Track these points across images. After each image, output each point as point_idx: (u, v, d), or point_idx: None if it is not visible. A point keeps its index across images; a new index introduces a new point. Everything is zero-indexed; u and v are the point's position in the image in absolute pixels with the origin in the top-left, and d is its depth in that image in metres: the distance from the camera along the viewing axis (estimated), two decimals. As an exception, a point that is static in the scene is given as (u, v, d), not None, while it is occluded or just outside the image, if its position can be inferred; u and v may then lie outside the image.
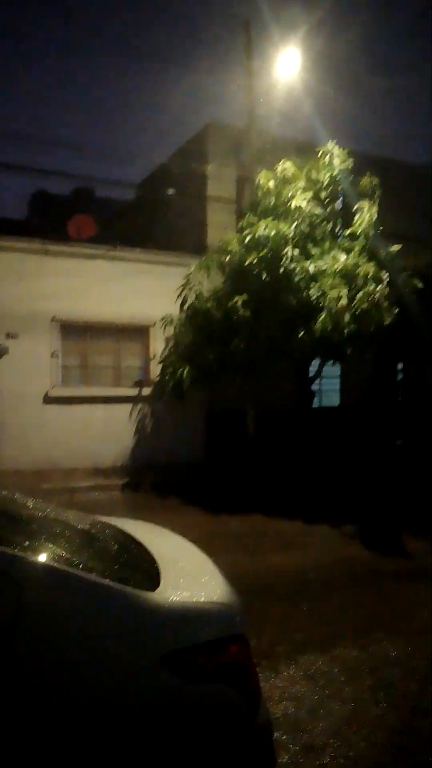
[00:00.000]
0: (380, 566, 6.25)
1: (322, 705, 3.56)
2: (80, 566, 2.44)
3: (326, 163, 8.84)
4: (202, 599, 2.58)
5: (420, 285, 8.56)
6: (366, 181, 9.03)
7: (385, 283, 7.89)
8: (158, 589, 2.54)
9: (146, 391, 10.26)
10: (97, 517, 3.63)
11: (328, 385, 12.00)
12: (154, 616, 2.39)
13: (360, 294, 7.76)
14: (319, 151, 9.01)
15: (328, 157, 8.86)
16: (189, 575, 2.82)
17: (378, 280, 7.83)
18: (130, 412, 10.23)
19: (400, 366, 12.86)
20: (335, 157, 8.80)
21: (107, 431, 9.98)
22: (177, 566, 2.88)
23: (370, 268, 7.87)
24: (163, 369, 9.58)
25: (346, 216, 9.01)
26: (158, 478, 9.72)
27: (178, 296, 9.31)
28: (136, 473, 9.92)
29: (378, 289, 7.73)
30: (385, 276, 7.97)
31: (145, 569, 2.74)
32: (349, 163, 8.84)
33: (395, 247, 8.56)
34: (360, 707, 3.54)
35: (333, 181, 8.85)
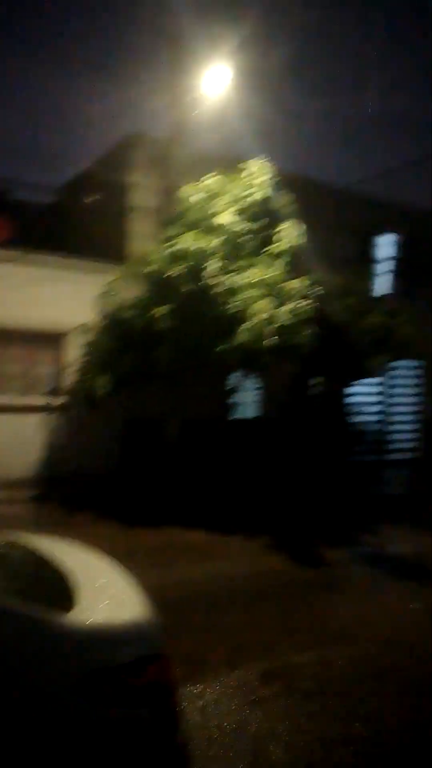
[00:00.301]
0: (295, 576, 6.34)
1: (236, 718, 3.50)
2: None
3: (248, 181, 8.97)
4: (120, 618, 2.47)
5: (335, 304, 8.87)
6: (286, 199, 9.24)
7: (309, 300, 8.07)
8: (73, 609, 2.41)
9: (59, 400, 9.91)
10: (5, 533, 3.42)
11: (246, 397, 12.14)
12: (68, 639, 2.26)
13: (285, 308, 7.87)
14: (241, 167, 9.13)
15: (248, 173, 9.00)
16: (105, 593, 2.70)
17: (304, 296, 8.00)
18: (41, 421, 9.83)
19: (315, 381, 13.24)
20: (257, 175, 8.94)
21: (16, 441, 9.53)
22: (92, 584, 2.74)
23: (296, 283, 8.03)
24: (77, 376, 9.28)
25: (269, 233, 9.16)
26: (70, 490, 9.38)
27: (97, 304, 9.09)
28: (46, 485, 9.53)
29: (303, 305, 7.88)
30: (311, 292, 8.16)
31: (58, 588, 2.58)
32: (269, 181, 9.00)
33: (314, 268, 8.81)
34: (275, 720, 3.51)
35: (254, 197, 8.98)
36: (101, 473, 9.99)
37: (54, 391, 9.91)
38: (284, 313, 7.85)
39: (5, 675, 2.16)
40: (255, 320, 7.70)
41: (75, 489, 9.43)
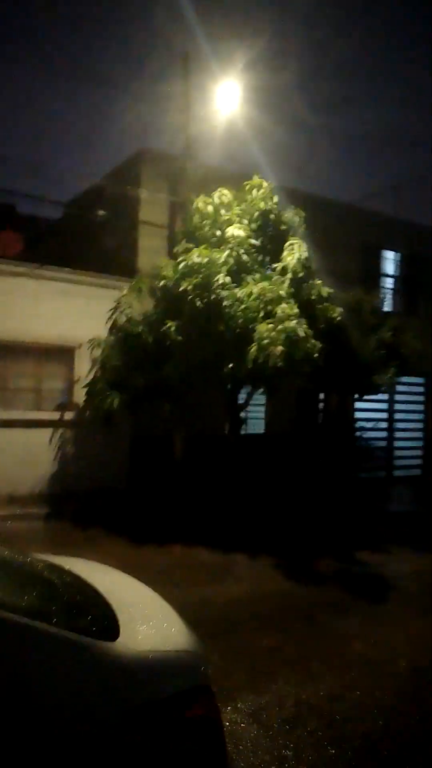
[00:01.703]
0: (306, 598, 6.27)
1: (264, 746, 3.44)
2: (33, 615, 2.20)
3: (254, 197, 9.05)
4: (166, 648, 2.41)
5: (335, 315, 8.82)
6: (291, 214, 9.28)
7: (304, 320, 8.00)
8: (119, 638, 2.35)
9: (69, 415, 9.86)
10: (36, 555, 3.36)
11: (253, 413, 12.11)
12: (117, 670, 2.20)
13: (292, 323, 7.82)
14: (246, 185, 9.20)
15: (255, 190, 9.07)
16: (147, 621, 2.64)
17: (295, 317, 7.92)
18: (51, 436, 9.77)
19: (321, 396, 13.23)
20: (262, 191, 9.01)
21: (26, 457, 9.46)
22: (133, 611, 2.68)
23: (304, 300, 8.03)
24: (88, 393, 9.22)
25: (276, 249, 9.21)
26: (80, 506, 9.30)
27: (108, 318, 9.08)
28: (56, 501, 9.44)
29: (295, 324, 7.78)
30: (318, 307, 8.16)
31: (101, 616, 2.53)
32: (274, 197, 9.06)
33: (324, 289, 8.77)
34: (301, 750, 3.44)
35: (261, 213, 9.05)
36: (111, 489, 9.93)
37: (64, 407, 9.86)
38: (292, 329, 7.83)
39: (50, 709, 2.09)
40: (264, 336, 7.67)
41: (84, 505, 9.35)
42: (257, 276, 8.65)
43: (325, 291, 8.80)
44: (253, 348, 7.75)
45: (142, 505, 9.86)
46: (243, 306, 7.99)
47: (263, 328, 7.72)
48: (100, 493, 9.70)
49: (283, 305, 7.97)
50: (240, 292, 8.11)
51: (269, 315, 7.96)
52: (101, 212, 10.83)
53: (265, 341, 7.64)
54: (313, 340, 7.93)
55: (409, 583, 6.97)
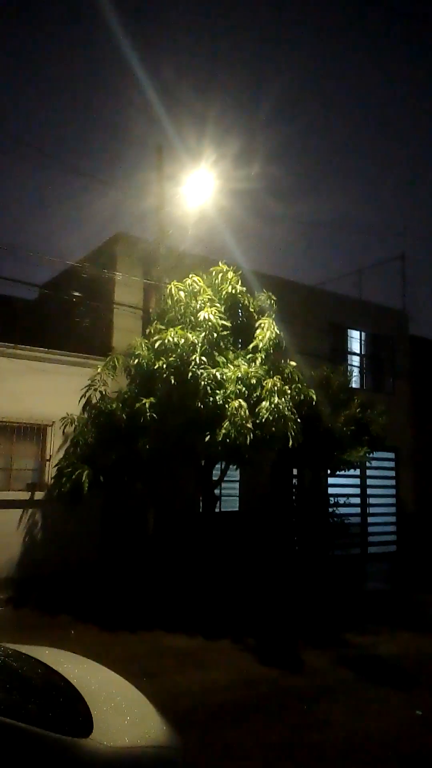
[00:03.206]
0: (288, 685, 6.05)
1: None
2: (2, 710, 2.12)
3: (220, 281, 9.45)
4: (142, 743, 2.33)
5: (314, 396, 9.08)
6: (263, 297, 9.69)
7: (288, 396, 8.26)
8: (92, 734, 2.26)
9: (39, 494, 9.64)
10: (4, 645, 3.23)
11: (227, 489, 12.02)
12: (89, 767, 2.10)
13: (265, 404, 8.05)
14: (212, 270, 9.62)
15: (221, 275, 9.49)
16: (121, 714, 2.55)
17: (282, 393, 8.19)
18: (20, 517, 9.50)
19: (294, 471, 13.25)
20: (229, 277, 9.43)
21: (-6, 539, 9.15)
22: (107, 704, 2.59)
23: (275, 381, 8.25)
24: (59, 471, 9.08)
25: (247, 330, 9.52)
26: (50, 590, 8.93)
27: (81, 396, 9.11)
28: (24, 586, 9.05)
29: (282, 401, 8.07)
30: (288, 390, 8.37)
31: (74, 710, 2.43)
32: (238, 282, 9.46)
33: (292, 363, 9.09)
34: None
35: (230, 296, 9.41)
36: (82, 571, 9.59)
37: (35, 486, 9.66)
38: (264, 408, 8.02)
39: None
40: (236, 415, 7.82)
41: (55, 589, 8.99)
42: (230, 355, 8.89)
43: (297, 372, 9.06)
44: (226, 423, 7.86)
45: (114, 586, 9.52)
46: (227, 390, 8.16)
47: (235, 405, 7.87)
48: (71, 575, 9.36)
49: (274, 379, 8.20)
50: (218, 373, 8.29)
51: (248, 396, 8.15)
52: (77, 293, 11.09)
53: (237, 418, 7.78)
54: (294, 419, 8.14)
55: (392, 666, 6.80)
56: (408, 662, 6.90)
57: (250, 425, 7.84)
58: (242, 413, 7.83)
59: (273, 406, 8.02)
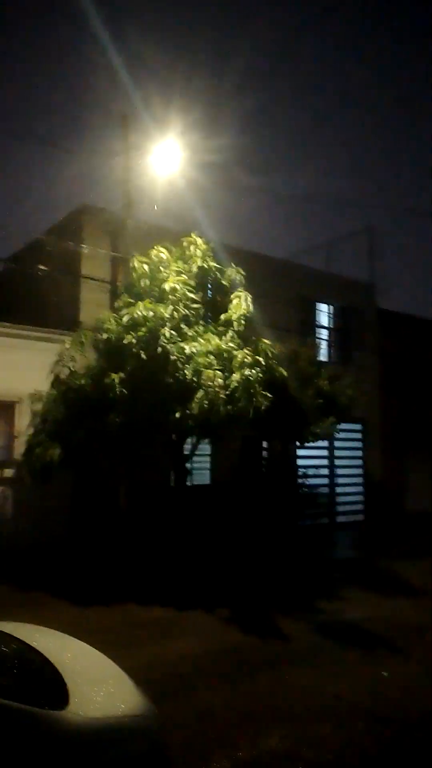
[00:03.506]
0: (261, 651, 6.21)
1: None
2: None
3: (192, 253, 9.32)
4: (117, 713, 2.36)
5: (284, 372, 9.13)
6: (232, 271, 9.61)
7: (258, 370, 8.28)
8: (68, 706, 2.28)
9: (8, 472, 9.55)
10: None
11: (198, 463, 12.09)
12: (67, 739, 2.13)
13: (236, 376, 8.06)
14: (183, 241, 9.49)
15: (192, 247, 9.35)
16: (97, 685, 2.58)
17: (253, 365, 8.21)
18: (-11, 494, 9.42)
19: (264, 444, 13.40)
20: (198, 248, 9.30)
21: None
22: (82, 676, 2.62)
23: (246, 354, 8.25)
24: (29, 448, 8.98)
25: (218, 303, 9.47)
26: (20, 566, 8.90)
27: (50, 372, 8.98)
28: (-7, 563, 9.01)
29: (253, 372, 8.10)
30: (261, 361, 8.39)
31: (49, 683, 2.45)
32: (210, 256, 9.35)
33: (265, 341, 9.05)
34: None
35: (200, 269, 9.30)
36: (54, 545, 9.58)
37: (4, 463, 9.56)
38: (235, 380, 8.03)
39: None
40: (210, 385, 7.81)
41: (26, 565, 8.97)
42: (200, 329, 8.84)
43: (269, 347, 9.05)
44: (200, 394, 7.85)
45: (86, 561, 9.55)
46: (194, 364, 8.11)
47: (210, 374, 7.86)
48: (42, 550, 9.35)
49: (245, 351, 8.18)
50: (187, 347, 8.24)
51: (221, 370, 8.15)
52: (42, 267, 10.83)
53: (211, 388, 7.77)
54: (263, 392, 8.17)
55: (360, 630, 7.02)
56: (375, 625, 7.13)
57: (223, 396, 7.85)
58: (217, 381, 7.83)
59: (243, 378, 8.04)
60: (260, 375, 8.27)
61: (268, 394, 8.33)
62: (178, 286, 8.59)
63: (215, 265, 9.37)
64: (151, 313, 8.32)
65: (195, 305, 8.92)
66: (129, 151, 10.83)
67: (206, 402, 7.80)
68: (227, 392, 8.02)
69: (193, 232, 9.56)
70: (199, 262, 9.24)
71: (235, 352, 8.36)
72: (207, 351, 8.28)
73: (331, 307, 15.89)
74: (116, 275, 10.71)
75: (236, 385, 8.03)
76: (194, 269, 9.26)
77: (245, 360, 8.18)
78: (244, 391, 8.02)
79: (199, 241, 9.34)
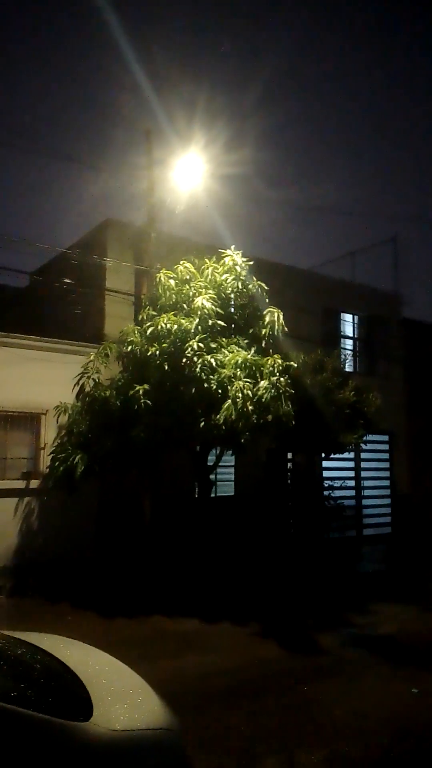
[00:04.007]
0: (290, 666, 6.11)
1: None
2: (4, 697, 2.11)
3: (227, 266, 9.29)
4: (141, 726, 2.33)
5: (310, 383, 9.07)
6: (257, 286, 9.55)
7: (286, 377, 8.23)
8: (92, 718, 2.27)
9: (35, 483, 9.63)
10: (4, 632, 3.23)
11: (222, 474, 12.05)
12: (90, 752, 2.11)
13: (264, 383, 8.00)
14: (220, 254, 9.47)
15: (228, 260, 9.33)
16: (121, 698, 2.55)
17: (283, 371, 8.17)
18: (16, 506, 9.50)
19: (289, 455, 13.28)
20: (236, 262, 9.27)
21: (-9, 528, 9.14)
22: (107, 688, 2.60)
23: (277, 359, 8.23)
24: (54, 459, 9.06)
25: (249, 316, 9.43)
26: (47, 578, 8.95)
27: (75, 384, 9.07)
28: (20, 574, 9.07)
29: (282, 380, 8.04)
30: (290, 368, 8.35)
31: (74, 695, 2.44)
32: (242, 271, 9.33)
33: (293, 364, 8.96)
34: None
35: (234, 283, 9.26)
36: (79, 557, 9.62)
37: (30, 474, 9.65)
38: (263, 389, 7.98)
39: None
40: (237, 397, 7.79)
41: (52, 577, 9.01)
42: (224, 341, 8.81)
43: (297, 359, 9.02)
44: (226, 404, 7.82)
45: (112, 573, 9.55)
46: (221, 375, 8.09)
47: (239, 385, 7.84)
48: (68, 562, 9.38)
49: (275, 356, 8.22)
50: (213, 359, 8.23)
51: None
52: (68, 280, 10.99)
53: (240, 399, 7.75)
54: (289, 404, 8.13)
55: (390, 645, 6.88)
56: (405, 640, 6.98)
57: (251, 407, 7.81)
58: (246, 393, 7.80)
59: (271, 385, 7.98)
60: (289, 381, 8.23)
61: (293, 404, 8.26)
62: (205, 302, 8.60)
63: (243, 279, 9.33)
64: (175, 326, 8.36)
65: (221, 322, 8.87)
66: (152, 165, 10.95)
67: (233, 413, 7.76)
68: (255, 400, 7.97)
69: (221, 248, 9.54)
70: (229, 276, 9.18)
71: (263, 360, 8.34)
72: (234, 363, 8.26)
73: (356, 317, 15.76)
74: (140, 288, 10.79)
75: (263, 392, 7.97)
76: (228, 283, 9.15)
77: (275, 366, 8.13)
78: (272, 399, 7.96)
79: (237, 256, 9.27)
